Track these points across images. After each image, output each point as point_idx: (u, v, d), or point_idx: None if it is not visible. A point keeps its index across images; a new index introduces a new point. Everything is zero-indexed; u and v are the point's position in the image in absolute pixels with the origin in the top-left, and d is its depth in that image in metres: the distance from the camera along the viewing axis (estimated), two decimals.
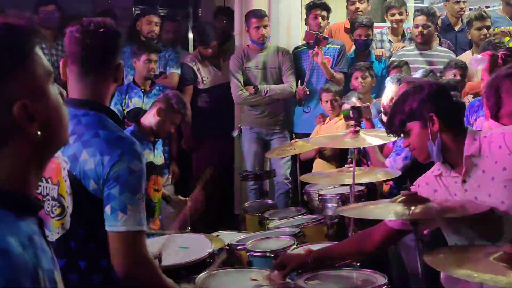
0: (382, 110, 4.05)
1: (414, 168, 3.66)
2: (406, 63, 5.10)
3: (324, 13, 5.49)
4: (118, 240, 1.87)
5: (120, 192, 1.88)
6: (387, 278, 2.49)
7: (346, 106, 4.61)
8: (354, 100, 4.52)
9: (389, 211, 2.31)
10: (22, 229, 1.06)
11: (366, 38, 5.42)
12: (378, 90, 5.08)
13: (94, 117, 1.98)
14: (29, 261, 1.01)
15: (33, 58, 1.13)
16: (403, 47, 5.62)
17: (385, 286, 2.43)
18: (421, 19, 5.26)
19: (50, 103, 1.15)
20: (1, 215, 1.04)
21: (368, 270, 2.62)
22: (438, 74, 4.77)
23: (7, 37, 1.10)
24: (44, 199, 2.01)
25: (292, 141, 4.52)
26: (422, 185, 2.47)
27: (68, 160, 1.95)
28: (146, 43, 5.24)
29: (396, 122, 2.36)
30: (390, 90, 4.15)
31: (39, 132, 1.10)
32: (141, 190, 1.92)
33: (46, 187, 2.02)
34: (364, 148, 4.04)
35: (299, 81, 5.47)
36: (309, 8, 5.56)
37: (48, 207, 2.01)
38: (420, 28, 5.23)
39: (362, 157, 4.23)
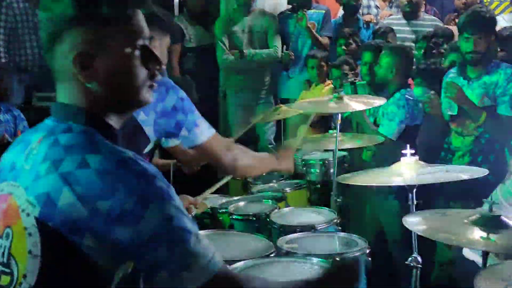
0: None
1: (407, 132, 3.66)
2: (392, 29, 5.04)
3: None
4: None
5: None
6: (367, 242, 2.53)
7: None
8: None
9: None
10: None
11: (354, 3, 5.36)
12: None
13: None
14: None
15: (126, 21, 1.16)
16: (390, 15, 5.57)
17: (366, 250, 2.46)
18: None
19: (114, 59, 1.15)
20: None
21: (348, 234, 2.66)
22: None
23: None
24: None
25: (276, 106, 4.51)
26: None
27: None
28: None
29: None
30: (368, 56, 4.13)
31: (90, 85, 1.14)
32: None
33: None
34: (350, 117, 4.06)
35: (284, 46, 5.43)
36: None
37: None
38: None
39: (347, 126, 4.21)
